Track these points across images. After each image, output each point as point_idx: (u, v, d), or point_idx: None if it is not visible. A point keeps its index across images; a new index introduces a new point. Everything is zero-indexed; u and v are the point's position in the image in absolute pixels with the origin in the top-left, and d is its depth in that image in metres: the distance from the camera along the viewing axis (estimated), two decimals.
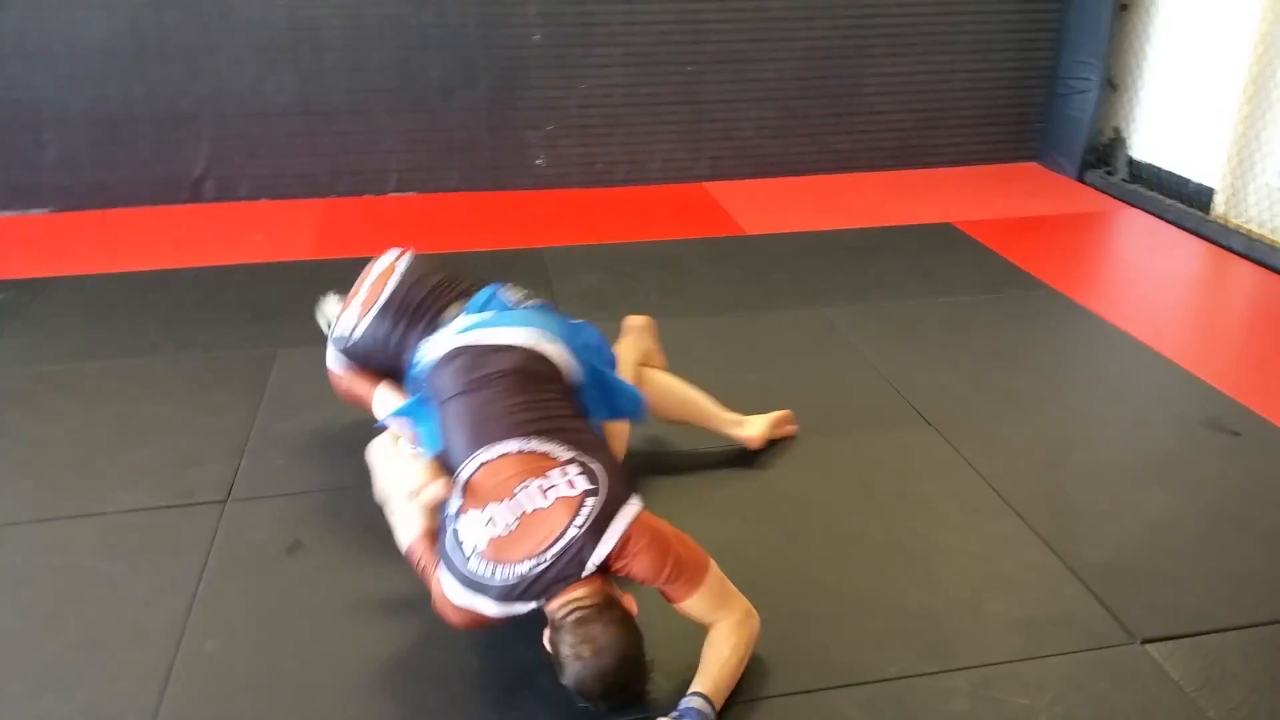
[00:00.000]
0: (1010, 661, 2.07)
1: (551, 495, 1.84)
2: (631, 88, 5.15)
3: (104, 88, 4.70)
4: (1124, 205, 4.98)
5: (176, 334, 3.58)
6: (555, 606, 1.80)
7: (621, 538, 1.81)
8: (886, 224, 4.74)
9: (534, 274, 4.10)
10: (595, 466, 1.92)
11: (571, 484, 1.86)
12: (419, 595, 2.02)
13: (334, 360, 2.70)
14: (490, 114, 5.09)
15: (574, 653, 1.74)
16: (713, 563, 1.94)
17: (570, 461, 1.93)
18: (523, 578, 1.78)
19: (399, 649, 2.10)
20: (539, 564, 1.78)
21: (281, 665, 2.06)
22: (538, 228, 4.75)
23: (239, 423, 2.98)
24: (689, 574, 1.87)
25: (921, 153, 5.51)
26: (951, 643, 2.12)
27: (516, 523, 1.83)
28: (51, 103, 4.68)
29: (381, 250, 2.82)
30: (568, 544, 1.79)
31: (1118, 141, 5.22)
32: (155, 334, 3.57)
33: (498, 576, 1.79)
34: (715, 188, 5.30)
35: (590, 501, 1.83)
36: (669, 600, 1.90)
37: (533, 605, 1.84)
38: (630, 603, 1.85)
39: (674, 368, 3.26)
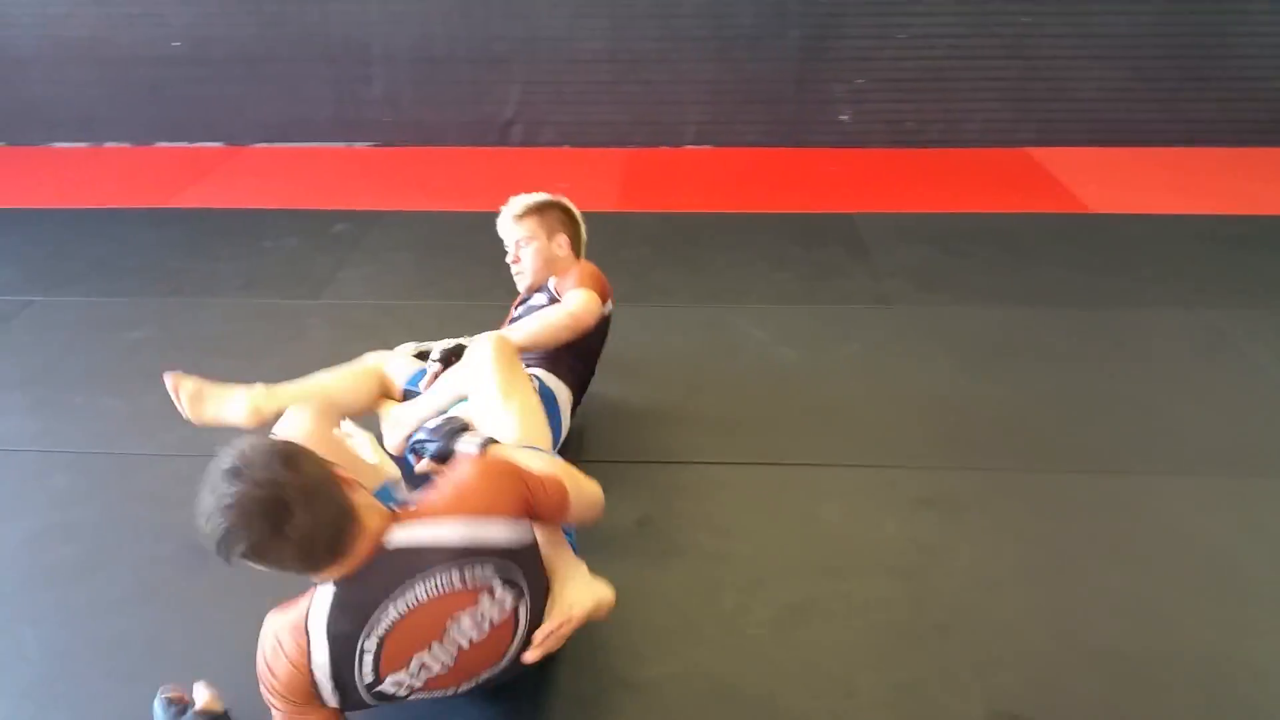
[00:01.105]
0: None
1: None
2: (956, 39, 4.74)
3: (429, 26, 4.80)
4: None
5: (506, 279, 3.60)
6: None
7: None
8: (1268, 212, 4.10)
9: (847, 243, 3.86)
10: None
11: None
12: None
13: None
14: (799, 65, 4.83)
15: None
16: (565, 478, 1.81)
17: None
18: None
19: None
20: None
21: None
22: (843, 189, 4.48)
23: None
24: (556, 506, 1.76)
25: None
26: None
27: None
28: (380, 40, 4.83)
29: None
30: None
31: None
32: (486, 276, 3.60)
33: None
34: (1043, 154, 4.81)
35: None
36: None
37: None
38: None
39: (1017, 362, 2.93)
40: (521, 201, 2.68)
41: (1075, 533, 2.27)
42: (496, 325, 2.65)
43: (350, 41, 4.84)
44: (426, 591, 1.55)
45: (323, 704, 1.57)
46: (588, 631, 1.84)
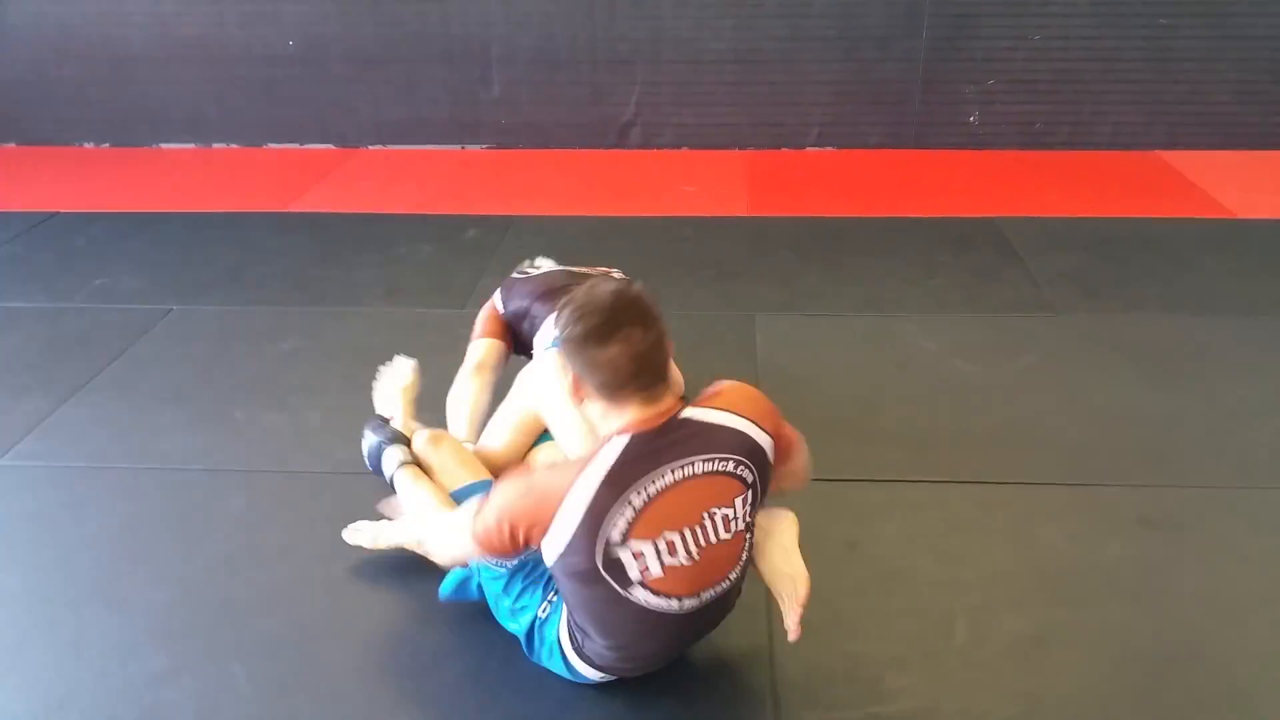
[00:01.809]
0: None
1: None
2: (1090, 40, 4.60)
3: (551, 27, 4.74)
4: None
5: (647, 285, 3.53)
6: None
7: None
8: None
9: (998, 248, 3.75)
10: None
11: None
12: None
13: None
14: (926, 66, 4.72)
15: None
16: None
17: None
18: None
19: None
20: None
21: None
22: (979, 193, 4.37)
23: None
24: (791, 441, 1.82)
25: None
26: None
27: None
28: (500, 41, 4.79)
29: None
30: None
31: None
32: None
33: None
34: (1174, 157, 4.67)
35: None
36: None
37: None
38: None
39: (1202, 372, 2.84)
40: None
41: None
42: None
43: (470, 41, 4.80)
44: (704, 468, 1.62)
45: (527, 540, 1.63)
46: (816, 661, 1.87)
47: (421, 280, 3.64)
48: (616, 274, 2.47)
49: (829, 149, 4.90)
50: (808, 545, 2.08)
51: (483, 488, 1.86)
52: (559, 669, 1.85)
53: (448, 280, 3.63)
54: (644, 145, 4.94)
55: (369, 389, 2.41)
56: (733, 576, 1.73)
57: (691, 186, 4.49)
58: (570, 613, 1.77)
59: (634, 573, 1.62)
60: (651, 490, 1.59)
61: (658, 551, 1.61)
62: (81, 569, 2.22)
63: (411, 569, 2.12)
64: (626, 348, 1.57)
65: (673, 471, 1.60)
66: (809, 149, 4.91)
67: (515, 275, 2.67)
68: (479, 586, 1.96)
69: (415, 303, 3.46)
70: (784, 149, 4.91)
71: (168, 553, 2.27)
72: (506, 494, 1.66)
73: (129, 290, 3.58)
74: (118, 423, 2.78)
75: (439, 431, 2.25)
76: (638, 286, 1.66)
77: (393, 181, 4.64)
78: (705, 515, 1.63)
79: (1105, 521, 2.30)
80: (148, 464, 2.60)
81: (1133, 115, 4.74)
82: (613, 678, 1.82)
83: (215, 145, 5.20)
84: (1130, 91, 4.70)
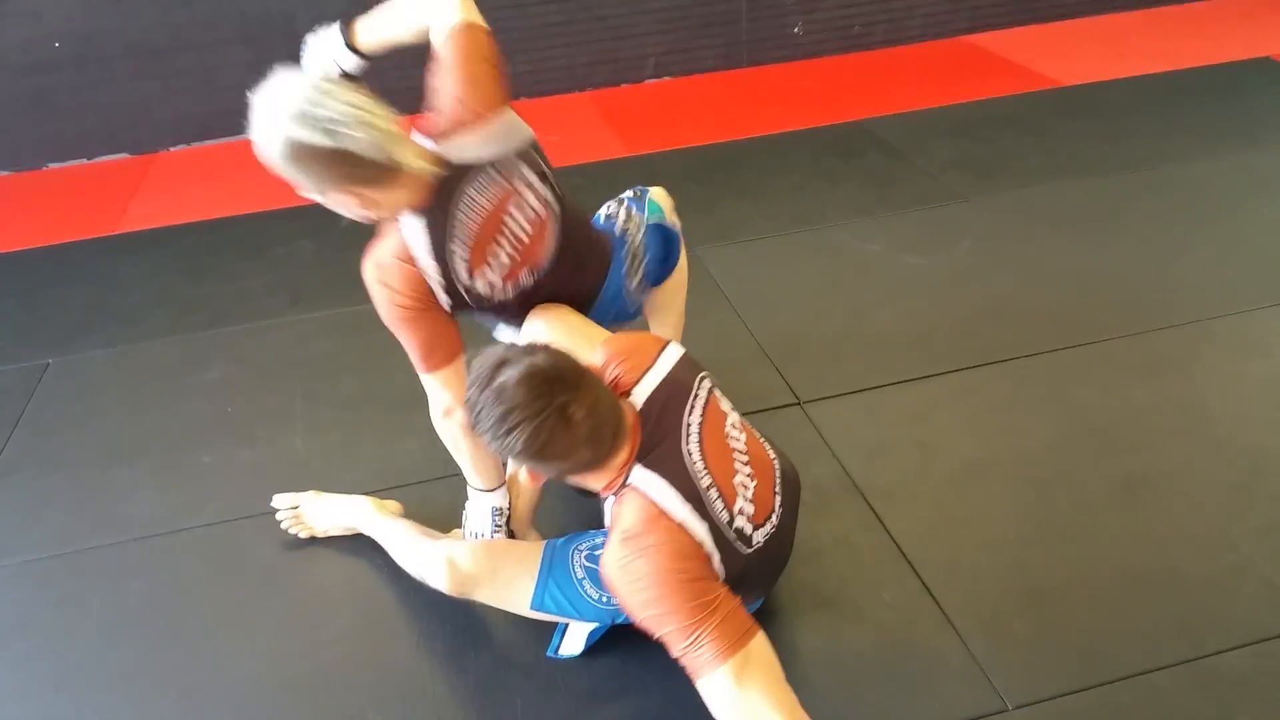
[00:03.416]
0: None
1: None
2: None
3: None
4: None
5: None
6: None
7: None
8: (1204, 63, 4.44)
9: (879, 149, 3.89)
10: None
11: None
12: None
13: None
14: None
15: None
16: None
17: None
18: None
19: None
20: None
21: None
22: (831, 99, 4.47)
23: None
24: None
25: None
26: None
27: None
28: (305, 8, 4.35)
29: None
30: None
31: None
32: None
33: None
34: (979, 40, 5.00)
35: None
36: None
37: None
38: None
39: (1118, 228, 3.11)
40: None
41: None
42: None
43: (270, 16, 4.33)
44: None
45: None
46: (955, 559, 1.91)
47: (319, 278, 3.29)
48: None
49: (668, 78, 4.86)
50: (884, 457, 2.19)
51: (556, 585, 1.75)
52: None
53: (347, 273, 3.27)
54: None
55: (332, 403, 2.22)
56: (775, 492, 1.70)
57: (554, 135, 4.30)
58: None
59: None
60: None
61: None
62: (111, 669, 1.89)
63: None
64: (572, 435, 1.40)
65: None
66: (648, 80, 4.85)
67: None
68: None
69: (330, 304, 3.12)
70: (623, 84, 4.82)
71: (215, 623, 1.98)
72: (670, 597, 1.40)
73: None
74: (62, 497, 2.37)
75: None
76: (538, 355, 1.43)
77: (221, 180, 4.14)
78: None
79: (1121, 373, 2.47)
80: (131, 534, 2.24)
81: (938, 5, 5.01)
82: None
83: None
84: None
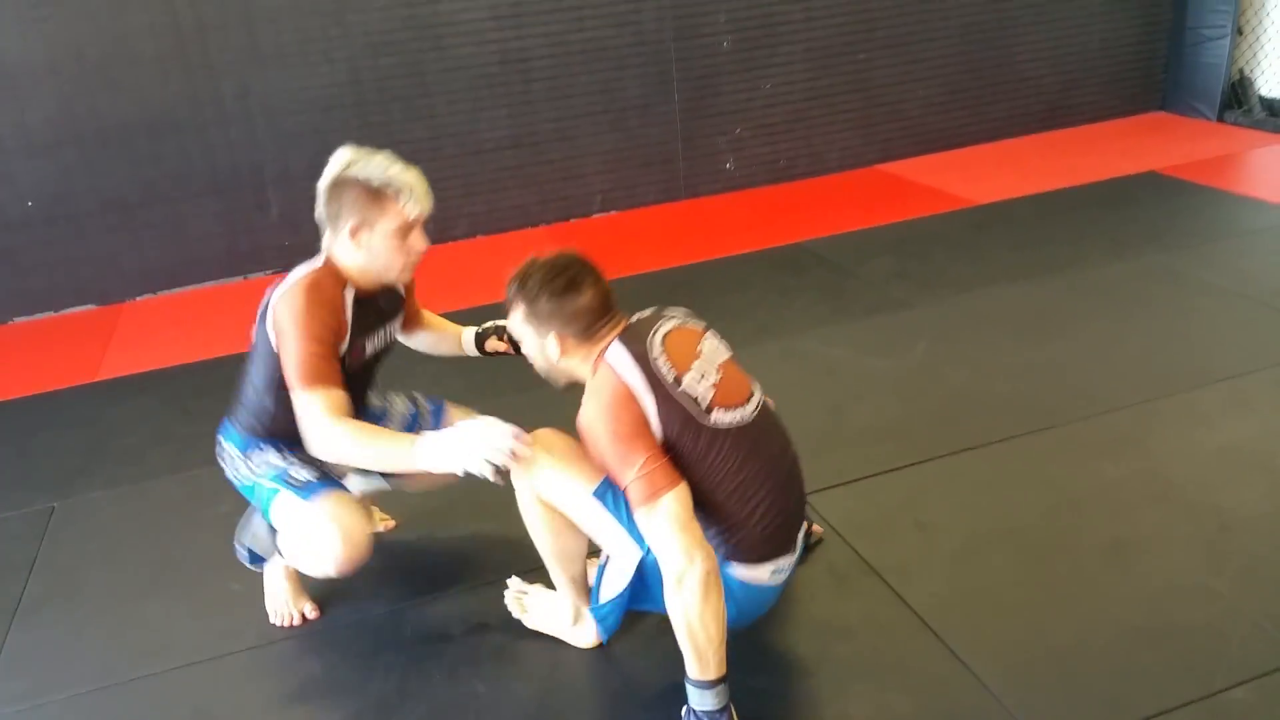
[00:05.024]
0: None
1: None
2: (810, 81, 5.32)
3: (325, 139, 4.57)
4: (1274, 136, 5.40)
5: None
6: None
7: None
8: (1096, 179, 4.98)
9: (823, 266, 4.23)
10: None
11: None
12: None
13: None
14: (683, 125, 5.18)
15: None
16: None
17: None
18: None
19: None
20: None
21: None
22: (782, 221, 4.84)
23: None
24: None
25: (1065, 114, 5.83)
26: None
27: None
28: (273, 161, 4.57)
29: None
30: None
31: (1245, 82, 5.65)
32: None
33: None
34: (891, 168, 5.50)
35: None
36: None
37: None
38: None
39: (1059, 327, 3.43)
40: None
41: None
42: None
43: (239, 167, 4.52)
44: (680, 320, 1.98)
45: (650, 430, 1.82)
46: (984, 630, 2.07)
47: None
48: None
49: (614, 212, 5.19)
50: (890, 539, 2.39)
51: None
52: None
53: None
54: (439, 240, 4.88)
55: None
56: (754, 396, 1.96)
57: (504, 273, 4.53)
58: (705, 518, 1.85)
59: (704, 397, 1.85)
60: (659, 338, 1.89)
61: (700, 377, 1.87)
62: None
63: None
64: (596, 291, 1.89)
65: (664, 323, 1.93)
66: (596, 215, 5.17)
67: None
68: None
69: None
70: (571, 219, 5.13)
71: None
72: (610, 444, 1.80)
73: None
74: (98, 631, 2.40)
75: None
76: (567, 249, 1.97)
77: (194, 325, 4.23)
78: (699, 346, 1.94)
79: (1087, 451, 2.73)
80: (174, 663, 2.27)
81: (853, 139, 5.51)
82: (782, 565, 1.95)
83: None
84: (848, 119, 5.47)
